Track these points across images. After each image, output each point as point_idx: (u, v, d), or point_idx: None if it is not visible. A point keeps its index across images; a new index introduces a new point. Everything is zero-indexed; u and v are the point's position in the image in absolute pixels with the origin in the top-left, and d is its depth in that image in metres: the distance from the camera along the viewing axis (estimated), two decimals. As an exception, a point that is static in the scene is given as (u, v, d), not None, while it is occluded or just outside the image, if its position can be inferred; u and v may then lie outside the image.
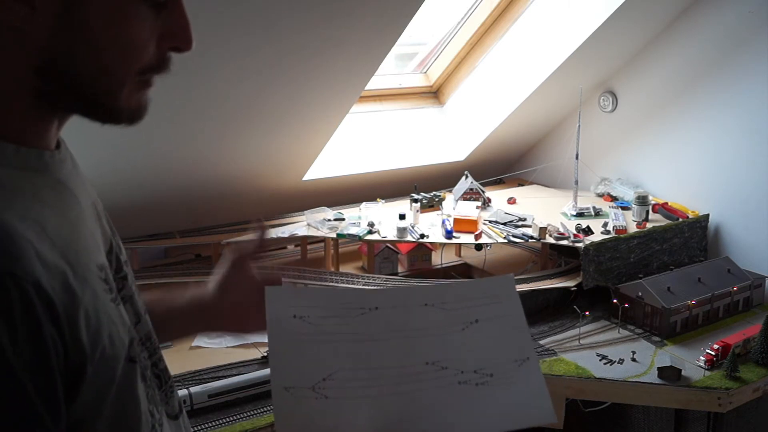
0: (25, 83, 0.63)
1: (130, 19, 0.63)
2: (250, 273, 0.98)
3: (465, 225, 2.46)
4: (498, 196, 2.90)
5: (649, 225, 2.56)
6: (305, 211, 2.60)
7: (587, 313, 2.31)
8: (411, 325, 0.88)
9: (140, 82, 0.68)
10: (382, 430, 0.81)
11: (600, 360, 2.09)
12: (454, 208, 2.64)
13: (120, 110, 0.67)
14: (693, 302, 2.25)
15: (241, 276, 0.97)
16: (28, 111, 0.64)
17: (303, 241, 2.68)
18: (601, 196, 2.94)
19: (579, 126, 2.68)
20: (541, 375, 0.89)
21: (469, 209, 2.57)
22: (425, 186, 2.85)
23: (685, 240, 2.58)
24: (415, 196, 2.68)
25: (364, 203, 2.67)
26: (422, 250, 2.63)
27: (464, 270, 2.73)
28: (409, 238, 2.44)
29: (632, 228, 2.54)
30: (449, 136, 3.11)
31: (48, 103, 0.65)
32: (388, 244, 2.53)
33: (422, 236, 2.44)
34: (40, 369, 0.55)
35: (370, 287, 2.32)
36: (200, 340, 2.09)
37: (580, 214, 2.67)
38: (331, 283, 2.34)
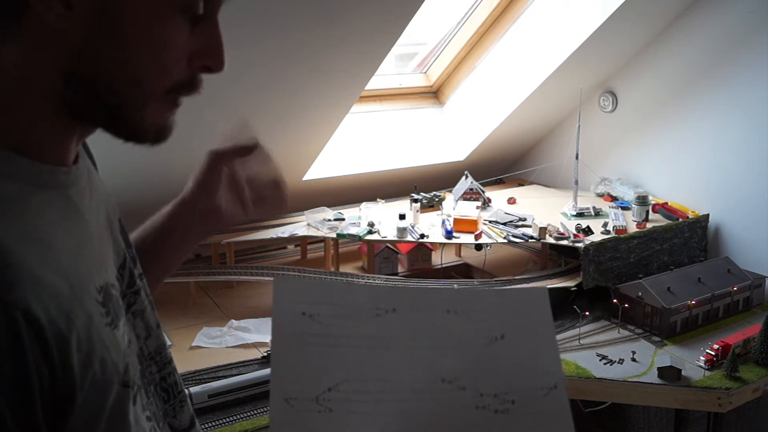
0: (50, 89, 0.61)
1: (165, 28, 0.61)
2: (232, 172, 0.98)
3: (465, 225, 2.46)
4: (498, 196, 2.90)
5: (649, 225, 2.55)
6: (305, 211, 2.60)
7: (587, 313, 2.31)
8: (430, 333, 0.77)
9: (168, 100, 0.65)
10: None
11: (600, 360, 2.09)
12: (454, 208, 2.64)
13: (143, 127, 0.65)
14: (693, 302, 2.25)
15: (222, 176, 0.97)
16: (48, 122, 0.62)
17: (303, 241, 2.69)
18: (601, 196, 2.95)
19: (579, 126, 2.68)
20: (568, 407, 0.79)
21: (469, 209, 2.57)
22: (425, 186, 2.85)
23: (685, 240, 2.58)
24: (415, 196, 2.68)
25: (364, 203, 2.67)
26: (422, 250, 2.63)
27: (464, 270, 2.73)
28: (409, 238, 2.44)
29: (632, 228, 2.53)
30: (449, 136, 3.11)
31: (71, 113, 0.63)
32: (388, 244, 2.53)
33: (422, 236, 2.43)
34: (19, 394, 0.54)
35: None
36: (200, 340, 2.10)
37: (580, 214, 2.67)
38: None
